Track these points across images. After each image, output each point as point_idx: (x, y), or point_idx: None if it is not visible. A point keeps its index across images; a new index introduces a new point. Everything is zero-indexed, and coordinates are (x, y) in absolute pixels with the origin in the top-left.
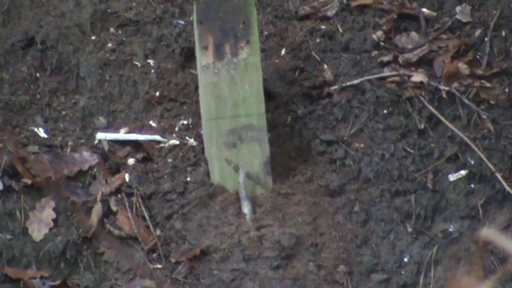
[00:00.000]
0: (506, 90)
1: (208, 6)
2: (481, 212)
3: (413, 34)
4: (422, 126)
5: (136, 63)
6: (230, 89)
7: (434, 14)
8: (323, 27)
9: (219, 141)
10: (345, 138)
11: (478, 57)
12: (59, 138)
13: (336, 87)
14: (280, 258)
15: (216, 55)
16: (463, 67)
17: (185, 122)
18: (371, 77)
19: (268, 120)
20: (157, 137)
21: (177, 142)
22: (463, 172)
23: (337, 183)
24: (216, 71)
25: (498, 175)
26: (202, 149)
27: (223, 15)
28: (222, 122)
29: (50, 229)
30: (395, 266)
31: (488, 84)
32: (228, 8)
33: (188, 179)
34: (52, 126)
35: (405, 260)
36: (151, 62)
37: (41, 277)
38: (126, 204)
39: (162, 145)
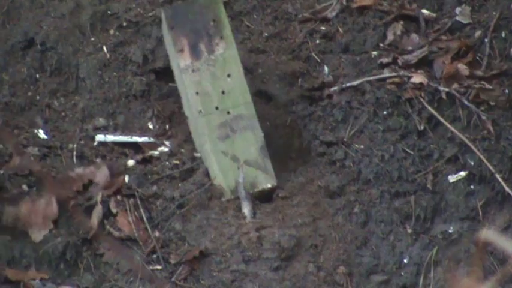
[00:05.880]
0: (506, 91)
1: (176, 11)
2: (480, 213)
3: (413, 35)
4: (422, 128)
5: (136, 64)
6: (213, 84)
7: (434, 15)
8: (323, 28)
9: (212, 136)
10: (345, 140)
11: (477, 58)
12: (58, 140)
13: (335, 88)
14: (280, 260)
15: (193, 55)
16: (462, 68)
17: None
18: (371, 78)
19: (267, 121)
20: (156, 139)
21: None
22: (462, 173)
23: (337, 184)
24: (195, 70)
25: (498, 176)
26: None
27: (192, 17)
28: (211, 118)
29: (50, 230)
30: (395, 267)
31: (488, 86)
32: (195, 9)
33: (188, 180)
34: (52, 127)
35: (405, 261)
36: (150, 63)
37: (41, 278)
38: (126, 205)
39: (161, 146)
